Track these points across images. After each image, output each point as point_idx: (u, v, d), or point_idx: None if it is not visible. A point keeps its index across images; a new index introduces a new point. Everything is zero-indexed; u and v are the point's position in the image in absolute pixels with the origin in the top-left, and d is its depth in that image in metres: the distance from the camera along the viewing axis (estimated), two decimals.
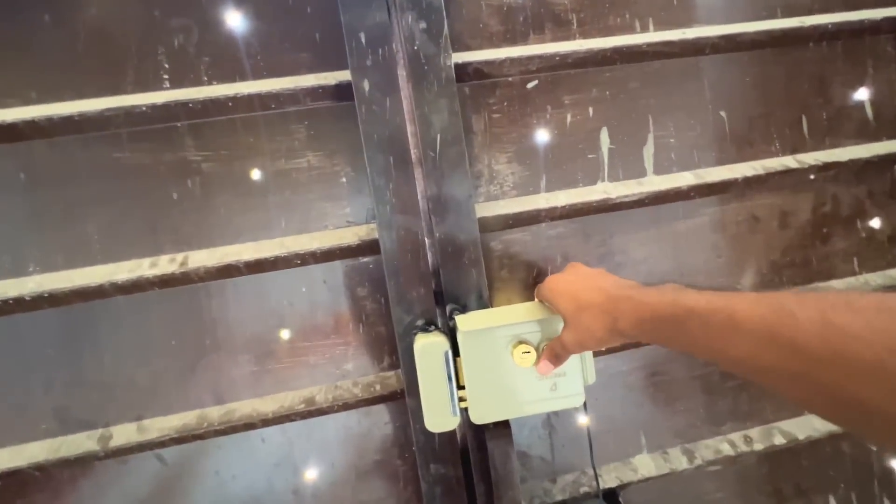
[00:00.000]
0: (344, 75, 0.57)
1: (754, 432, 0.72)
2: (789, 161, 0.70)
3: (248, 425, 0.59)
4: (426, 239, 0.58)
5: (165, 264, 0.58)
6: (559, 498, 0.66)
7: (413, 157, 0.58)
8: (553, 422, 0.68)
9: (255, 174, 0.60)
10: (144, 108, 0.55)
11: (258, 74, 0.59)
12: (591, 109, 0.66)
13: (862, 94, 0.74)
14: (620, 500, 0.66)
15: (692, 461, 0.69)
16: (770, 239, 0.72)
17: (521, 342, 0.53)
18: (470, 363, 0.54)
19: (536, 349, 0.53)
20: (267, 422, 0.59)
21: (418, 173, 0.59)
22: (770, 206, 0.71)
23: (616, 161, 0.67)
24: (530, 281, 0.66)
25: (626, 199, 0.64)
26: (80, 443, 0.58)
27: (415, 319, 0.58)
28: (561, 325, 0.51)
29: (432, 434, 0.59)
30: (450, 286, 0.59)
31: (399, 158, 0.57)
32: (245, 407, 0.60)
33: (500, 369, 0.54)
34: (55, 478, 0.59)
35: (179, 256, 0.59)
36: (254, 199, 0.60)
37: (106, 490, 0.60)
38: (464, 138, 0.58)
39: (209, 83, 0.58)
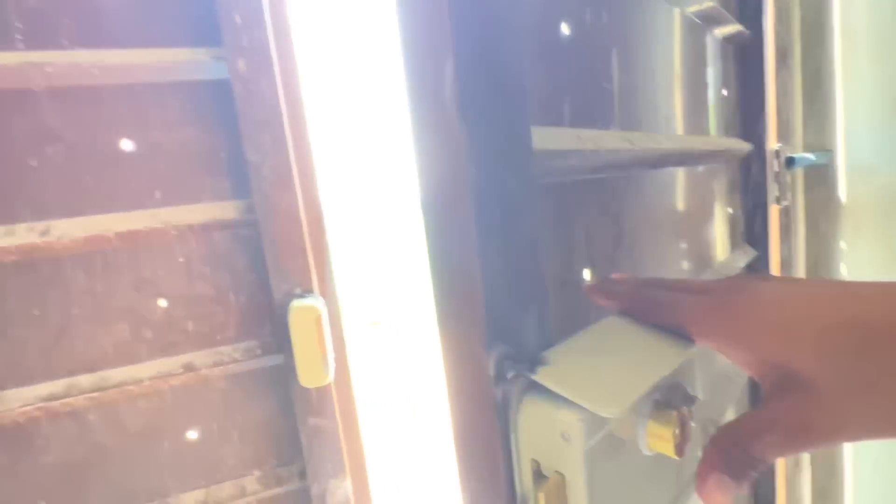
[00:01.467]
0: (221, 52, 0.59)
1: None
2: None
3: (123, 392, 0.61)
4: (303, 216, 0.63)
5: (24, 233, 0.56)
6: None
7: (288, 132, 0.62)
8: None
9: (126, 144, 0.60)
10: None
11: (126, 44, 0.58)
12: None
13: None
14: None
15: None
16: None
17: (662, 405, 0.27)
18: (599, 491, 0.25)
19: (674, 427, 0.26)
20: (144, 388, 0.62)
21: (300, 148, 0.63)
22: None
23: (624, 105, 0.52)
24: (557, 285, 0.41)
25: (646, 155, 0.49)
26: None
27: (292, 288, 0.63)
28: (739, 380, 0.28)
29: (308, 389, 0.65)
30: (493, 300, 0.26)
31: (276, 135, 0.60)
32: (119, 374, 0.62)
33: (632, 479, 0.28)
34: None
35: (40, 225, 0.57)
36: (125, 170, 0.60)
37: None
38: None
39: (70, 48, 0.57)
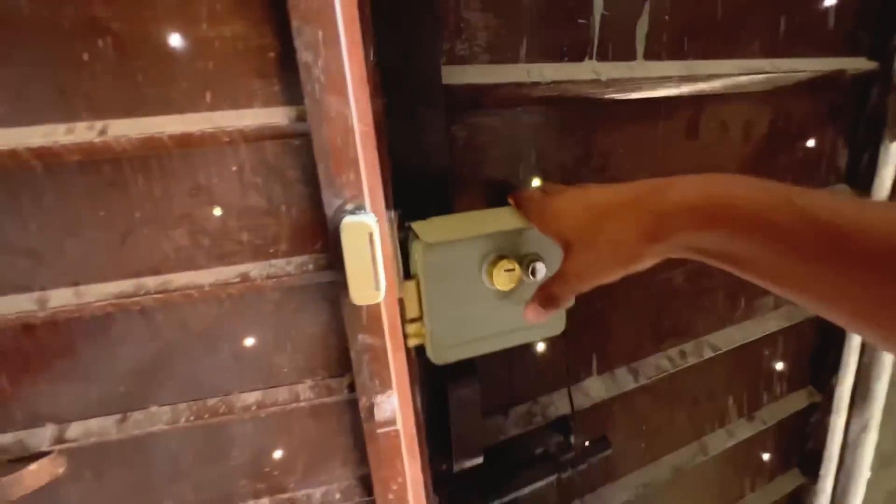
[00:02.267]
0: None
1: (688, 346, 0.78)
2: (765, 65, 0.69)
3: (186, 296, 0.63)
4: (355, 121, 0.58)
5: (83, 131, 0.56)
6: (512, 433, 0.65)
7: (342, 27, 0.55)
8: (508, 350, 0.60)
9: (175, 39, 0.56)
10: None
11: None
12: None
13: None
14: (571, 427, 0.66)
15: (637, 379, 0.72)
16: (735, 150, 0.73)
17: (500, 257, 0.43)
18: (432, 287, 0.43)
19: (520, 265, 0.44)
20: (204, 294, 0.63)
21: (354, 48, 0.57)
22: (740, 114, 0.70)
23: (607, 35, 0.55)
24: (497, 185, 0.55)
25: (617, 85, 0.53)
26: (17, 303, 0.60)
27: (344, 203, 0.60)
28: (558, 253, 0.40)
29: (360, 307, 0.64)
30: (403, 181, 0.48)
31: (328, 32, 0.54)
32: (181, 279, 0.64)
33: (470, 294, 0.44)
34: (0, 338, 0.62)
35: (98, 124, 0.56)
36: (175, 68, 0.57)
37: (53, 348, 0.64)
38: None
39: None
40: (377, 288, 0.59)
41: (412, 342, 0.44)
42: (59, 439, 0.65)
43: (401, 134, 0.47)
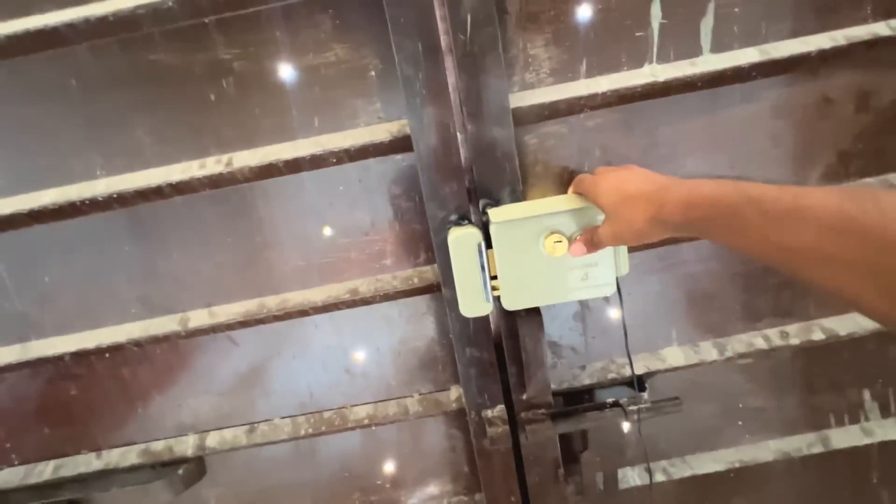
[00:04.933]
0: None
1: (792, 328, 0.71)
2: (881, 28, 0.60)
3: (302, 312, 0.66)
4: (458, 133, 0.57)
5: (213, 165, 0.61)
6: (587, 382, 0.70)
7: (443, 43, 0.55)
8: (584, 314, 0.70)
9: (286, 71, 0.59)
10: (171, 4, 0.54)
11: None
12: None
13: None
14: (646, 385, 0.69)
15: (723, 353, 0.70)
16: (842, 125, 0.64)
17: (553, 232, 0.54)
18: (502, 254, 0.55)
19: (569, 239, 0.53)
20: (317, 309, 0.66)
21: (448, 62, 0.56)
22: (847, 86, 0.63)
23: (667, 39, 0.60)
24: (566, 177, 0.64)
25: (676, 82, 0.58)
26: (165, 324, 0.67)
27: (448, 214, 0.59)
28: (600, 218, 0.51)
29: (467, 320, 0.63)
30: (483, 181, 0.59)
31: (428, 44, 0.54)
32: (297, 297, 0.67)
33: (532, 259, 0.55)
34: (150, 353, 0.70)
35: (225, 157, 0.61)
36: (286, 98, 0.60)
37: (193, 364, 0.70)
38: (496, 18, 0.54)
39: None
40: (487, 299, 0.57)
41: (494, 294, 0.57)
42: (201, 447, 0.72)
43: (480, 148, 0.59)
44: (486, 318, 0.63)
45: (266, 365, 0.71)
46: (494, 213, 0.55)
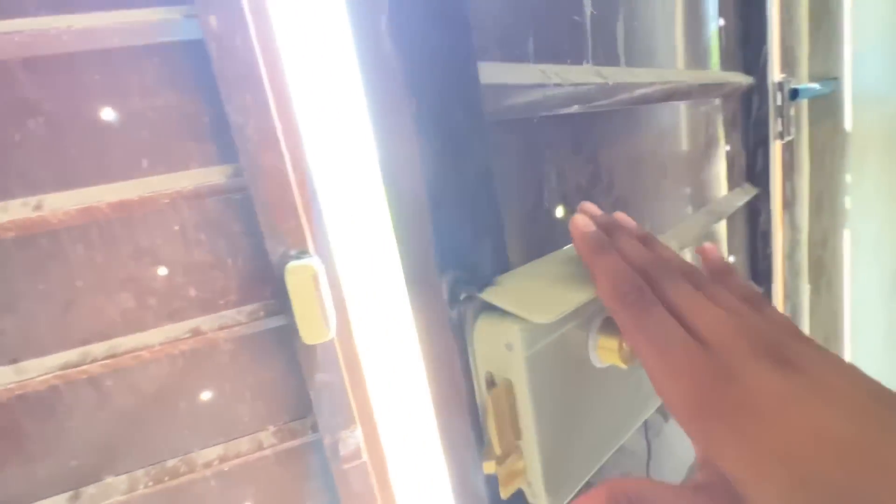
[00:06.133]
0: (192, 9, 0.57)
1: None
2: None
3: (136, 357, 0.63)
4: (291, 173, 0.63)
5: (18, 208, 0.57)
6: None
7: (269, 89, 0.60)
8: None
9: (107, 114, 0.59)
10: None
11: (93, 7, 0.56)
12: None
13: None
14: None
15: None
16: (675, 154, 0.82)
17: (608, 319, 0.29)
18: (542, 393, 0.27)
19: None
20: (155, 353, 0.64)
21: (283, 106, 0.62)
22: None
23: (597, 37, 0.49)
24: (527, 215, 0.42)
25: (619, 89, 0.47)
26: None
27: (287, 250, 0.64)
28: None
29: (313, 346, 0.67)
30: (437, 231, 0.27)
31: (256, 96, 0.59)
32: (130, 341, 0.64)
33: (578, 385, 0.29)
34: None
35: (33, 200, 0.58)
36: (109, 140, 0.59)
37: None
38: None
39: (36, 14, 0.55)
40: (326, 326, 0.62)
41: (508, 490, 0.27)
42: None
43: (437, 162, 0.28)
44: (331, 343, 0.68)
45: (93, 419, 0.65)
46: (507, 301, 0.27)
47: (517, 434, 0.27)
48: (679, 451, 0.57)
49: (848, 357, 1.30)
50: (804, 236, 1.23)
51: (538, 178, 0.41)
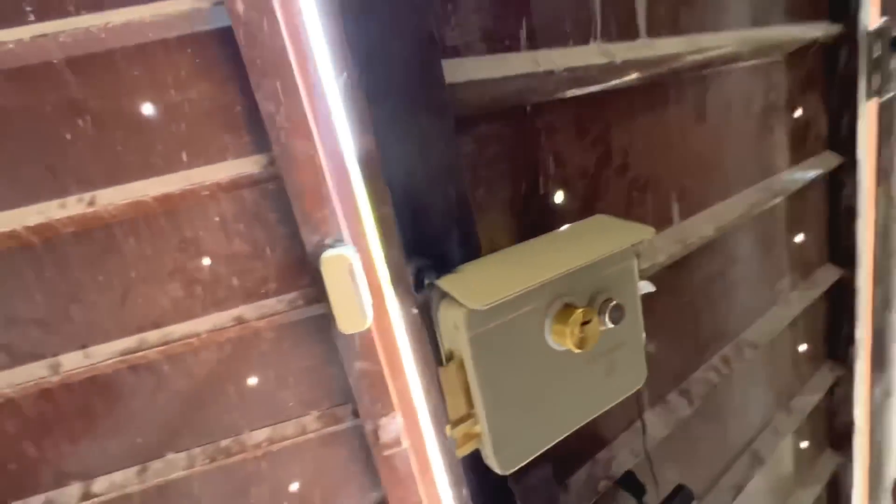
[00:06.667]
0: None
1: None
2: None
3: (187, 344, 0.66)
4: (324, 161, 0.61)
5: (74, 205, 0.60)
6: None
7: (298, 75, 0.59)
8: None
9: (147, 108, 0.60)
10: (11, 46, 0.53)
11: (127, 2, 0.57)
12: None
13: None
14: (645, 489, 0.55)
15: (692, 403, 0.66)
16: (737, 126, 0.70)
17: (568, 306, 0.30)
18: (486, 368, 0.30)
19: (597, 311, 0.31)
20: (203, 340, 0.66)
21: (314, 92, 0.60)
22: None
23: (608, 11, 0.46)
24: (518, 203, 0.43)
25: (630, 67, 0.45)
26: (32, 371, 0.64)
27: (322, 239, 0.63)
28: (627, 285, 0.28)
29: (352, 335, 0.67)
30: (412, 222, 0.33)
31: (286, 82, 0.58)
32: (180, 329, 0.67)
33: (534, 365, 0.31)
34: (21, 405, 0.66)
35: (87, 196, 0.61)
36: (150, 134, 0.61)
37: (71, 409, 0.68)
38: None
39: (77, 14, 0.56)
40: (363, 315, 0.61)
41: (463, 450, 0.31)
42: (87, 495, 0.69)
43: (401, 158, 0.31)
44: (369, 332, 0.68)
45: (153, 400, 0.69)
46: (458, 287, 0.30)
47: (471, 403, 0.31)
48: None
49: None
50: None
51: (532, 165, 0.40)
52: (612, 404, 0.37)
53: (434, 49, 0.29)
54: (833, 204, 1.14)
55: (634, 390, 0.38)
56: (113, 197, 0.60)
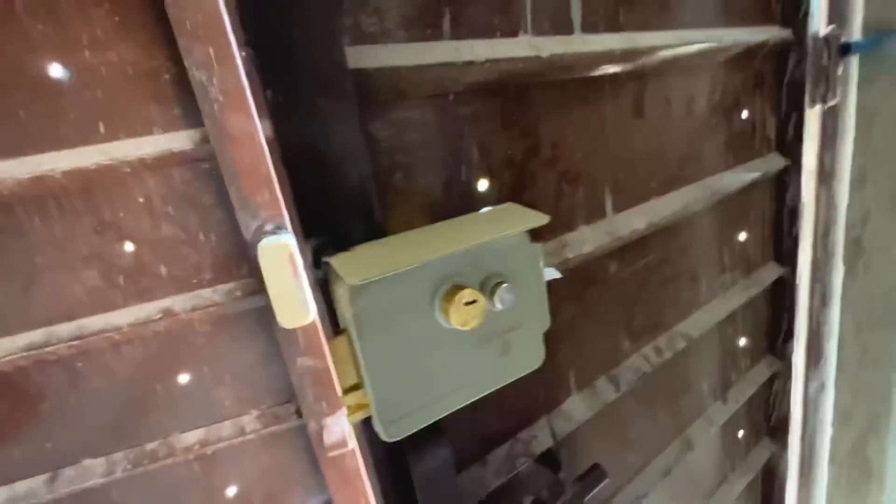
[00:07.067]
0: None
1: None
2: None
3: (106, 339, 0.59)
4: (263, 140, 0.56)
5: None
6: (497, 483, 0.56)
7: (233, 39, 0.53)
8: None
9: (56, 70, 0.52)
10: None
11: None
12: None
13: None
14: (560, 460, 0.58)
15: (618, 388, 0.68)
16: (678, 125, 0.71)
17: (457, 287, 0.32)
18: (371, 341, 0.32)
19: (485, 293, 0.33)
20: (125, 334, 0.60)
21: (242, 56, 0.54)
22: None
23: (540, 5, 0.47)
24: (438, 189, 0.44)
25: (558, 62, 0.46)
26: None
27: (262, 225, 0.58)
28: (526, 268, 0.31)
29: (294, 330, 0.62)
30: (313, 203, 0.38)
31: (220, 48, 0.52)
32: (98, 322, 0.60)
33: (423, 341, 0.33)
34: None
35: None
36: (60, 101, 0.53)
37: None
38: None
39: None
40: (305, 309, 0.56)
41: (354, 417, 0.33)
42: None
43: (301, 140, 0.35)
44: (313, 326, 0.63)
45: (65, 400, 0.62)
46: (346, 265, 0.33)
47: (360, 373, 0.33)
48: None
49: (884, 347, 1.21)
50: (842, 214, 1.12)
51: (455, 152, 0.41)
52: (505, 383, 0.39)
53: (334, 32, 0.32)
54: (778, 204, 1.19)
55: (529, 371, 0.40)
56: (14, 170, 0.52)
